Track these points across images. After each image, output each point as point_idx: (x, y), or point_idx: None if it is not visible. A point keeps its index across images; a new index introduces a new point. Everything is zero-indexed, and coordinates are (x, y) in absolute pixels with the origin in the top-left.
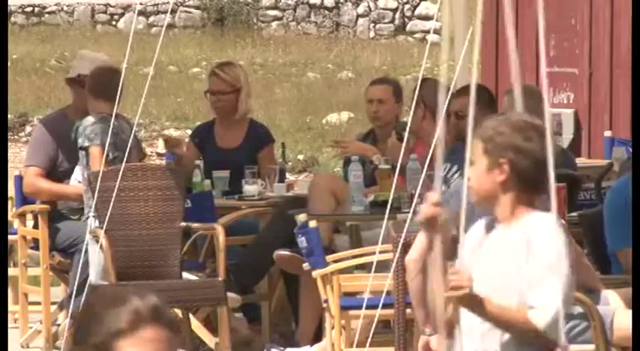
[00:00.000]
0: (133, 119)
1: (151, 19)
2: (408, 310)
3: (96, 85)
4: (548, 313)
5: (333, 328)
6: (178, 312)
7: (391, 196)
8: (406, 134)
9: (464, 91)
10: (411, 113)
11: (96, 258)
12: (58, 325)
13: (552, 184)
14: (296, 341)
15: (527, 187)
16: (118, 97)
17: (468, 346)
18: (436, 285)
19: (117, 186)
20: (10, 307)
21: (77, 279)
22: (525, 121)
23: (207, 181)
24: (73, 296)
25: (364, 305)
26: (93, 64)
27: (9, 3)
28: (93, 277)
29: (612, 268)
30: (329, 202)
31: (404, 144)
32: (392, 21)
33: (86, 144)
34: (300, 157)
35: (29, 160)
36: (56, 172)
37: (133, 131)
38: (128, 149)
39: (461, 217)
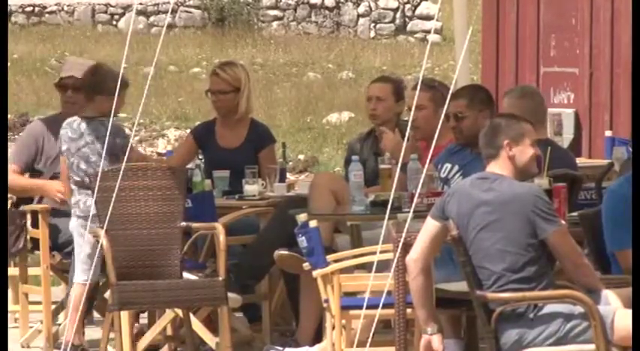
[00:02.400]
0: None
1: (152, 19)
2: (409, 310)
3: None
4: None
5: (333, 328)
6: (179, 312)
7: (392, 196)
8: (407, 132)
9: (461, 92)
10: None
11: (82, 255)
12: (59, 324)
13: None
14: (296, 341)
15: None
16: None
17: None
18: None
19: (117, 186)
20: (11, 306)
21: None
22: None
23: (208, 181)
24: None
25: (365, 305)
26: (74, 67)
27: (9, 3)
28: (89, 276)
29: (612, 268)
30: (329, 202)
31: (404, 142)
32: (392, 21)
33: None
34: (301, 156)
35: (12, 158)
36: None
37: (108, 134)
38: (128, 151)
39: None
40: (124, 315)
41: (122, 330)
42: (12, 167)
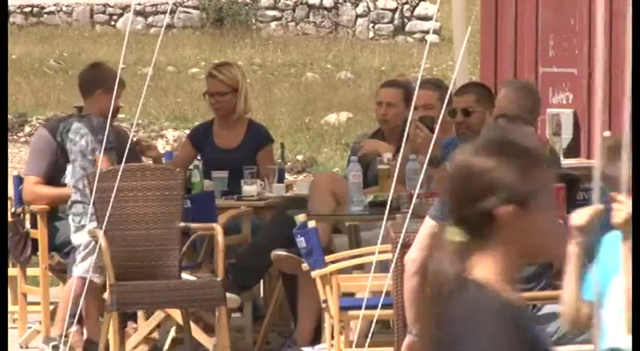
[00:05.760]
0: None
1: (150, 19)
2: None
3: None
4: None
5: (332, 328)
6: (172, 312)
7: (390, 196)
8: (406, 131)
9: (469, 88)
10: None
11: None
12: None
13: None
14: (295, 341)
15: None
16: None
17: None
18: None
19: (116, 186)
20: (9, 307)
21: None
22: None
23: (207, 182)
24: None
25: (363, 305)
26: None
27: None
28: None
29: None
30: (329, 202)
31: (404, 137)
32: (391, 21)
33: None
34: (299, 157)
35: (28, 169)
36: (58, 177)
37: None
38: (127, 149)
39: None
40: (114, 315)
41: (111, 329)
42: (33, 179)
